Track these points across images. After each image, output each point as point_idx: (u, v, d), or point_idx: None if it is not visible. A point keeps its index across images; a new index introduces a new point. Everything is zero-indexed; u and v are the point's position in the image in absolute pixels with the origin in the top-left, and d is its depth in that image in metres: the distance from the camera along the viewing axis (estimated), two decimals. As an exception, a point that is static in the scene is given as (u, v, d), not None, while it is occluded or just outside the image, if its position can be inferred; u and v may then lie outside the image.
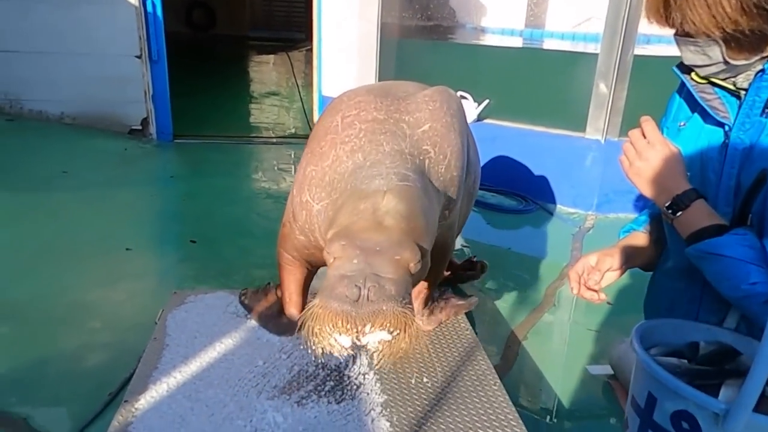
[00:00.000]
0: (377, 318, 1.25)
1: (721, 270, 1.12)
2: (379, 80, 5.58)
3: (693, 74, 1.29)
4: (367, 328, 1.25)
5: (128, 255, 3.27)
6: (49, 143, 5.23)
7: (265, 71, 10.96)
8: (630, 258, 1.52)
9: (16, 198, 3.91)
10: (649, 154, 1.22)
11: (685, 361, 1.15)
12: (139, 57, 5.69)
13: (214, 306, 2.37)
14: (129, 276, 3.02)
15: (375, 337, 1.28)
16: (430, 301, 2.32)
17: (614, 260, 1.49)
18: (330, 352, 1.33)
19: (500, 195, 4.69)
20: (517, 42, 9.24)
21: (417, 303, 2.20)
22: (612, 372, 2.43)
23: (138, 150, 5.46)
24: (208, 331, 2.18)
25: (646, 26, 1.34)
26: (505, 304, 3.00)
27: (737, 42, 1.07)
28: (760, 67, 1.13)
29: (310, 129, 6.89)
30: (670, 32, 1.27)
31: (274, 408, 1.76)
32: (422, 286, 2.17)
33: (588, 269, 1.48)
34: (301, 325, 1.33)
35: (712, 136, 1.27)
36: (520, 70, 5.57)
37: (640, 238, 1.61)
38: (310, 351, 1.34)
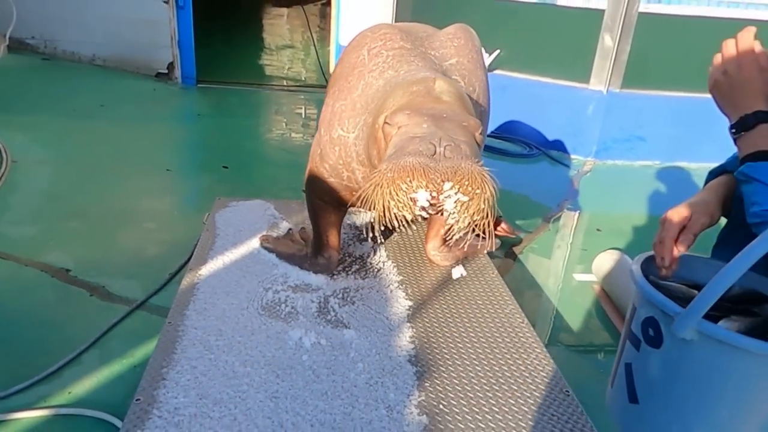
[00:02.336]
0: (456, 174, 1.21)
1: (750, 193, 1.05)
2: (396, 30, 5.82)
3: None
4: (446, 185, 1.21)
5: (169, 175, 3.64)
6: (84, 81, 5.57)
7: (281, 24, 11.13)
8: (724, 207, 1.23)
9: (64, 123, 4.29)
10: (732, 69, 1.09)
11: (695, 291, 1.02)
12: (167, 2, 5.94)
13: (253, 210, 2.75)
14: (172, 191, 3.41)
15: (452, 199, 1.24)
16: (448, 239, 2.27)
17: (712, 218, 1.17)
18: (403, 218, 1.26)
19: (507, 141, 5.01)
20: None
21: (433, 243, 2.24)
22: (595, 279, 2.82)
23: (166, 91, 5.78)
24: (251, 227, 2.56)
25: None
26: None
27: None
28: None
29: (325, 79, 7.14)
30: None
31: (312, 278, 2.15)
32: (440, 226, 2.18)
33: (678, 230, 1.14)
34: (364, 201, 1.29)
35: None
36: (531, 24, 5.79)
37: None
38: (379, 224, 1.28)
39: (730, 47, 1.10)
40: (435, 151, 1.25)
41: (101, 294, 2.30)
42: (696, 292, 0.94)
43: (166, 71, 6.19)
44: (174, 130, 4.64)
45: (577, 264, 3.04)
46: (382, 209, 1.27)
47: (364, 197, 1.31)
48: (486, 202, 1.25)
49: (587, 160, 4.78)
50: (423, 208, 1.27)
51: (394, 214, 1.28)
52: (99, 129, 4.30)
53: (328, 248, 2.17)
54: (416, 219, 1.31)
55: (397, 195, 1.25)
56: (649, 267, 1.11)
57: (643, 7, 4.68)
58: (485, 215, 1.26)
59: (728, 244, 1.20)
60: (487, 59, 5.25)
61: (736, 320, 0.99)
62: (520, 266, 2.95)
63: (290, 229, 2.50)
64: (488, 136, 5.13)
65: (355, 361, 1.74)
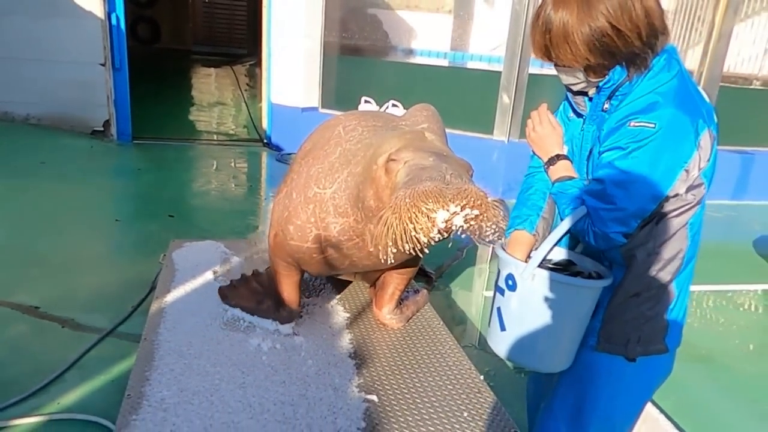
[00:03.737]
0: (464, 194, 1.39)
1: (561, 201, 1.58)
2: (322, 90, 6.44)
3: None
4: (452, 206, 1.39)
5: (118, 224, 3.93)
6: (21, 140, 5.71)
7: (211, 83, 11.56)
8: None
9: (7, 181, 4.46)
10: (538, 129, 1.67)
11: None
12: (103, 65, 6.27)
13: (206, 248, 3.10)
14: (123, 238, 3.70)
15: (461, 216, 1.42)
16: (398, 303, 2.45)
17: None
18: (417, 240, 1.43)
19: (425, 186, 5.64)
20: (443, 62, 10.39)
21: (388, 307, 2.39)
22: (500, 294, 3.40)
23: (103, 148, 6.02)
24: (207, 262, 2.91)
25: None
26: (426, 258, 3.92)
27: (592, 69, 1.48)
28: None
29: (257, 133, 7.56)
30: None
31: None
32: (395, 288, 2.36)
33: None
34: (386, 225, 1.44)
35: (578, 123, 1.68)
36: (441, 84, 6.63)
37: (526, 235, 1.70)
38: (401, 242, 1.42)
39: (535, 116, 1.71)
40: (445, 178, 1.43)
41: (72, 325, 2.58)
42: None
43: (102, 129, 6.43)
44: (117, 184, 4.91)
45: (486, 283, 3.61)
46: (402, 231, 1.42)
47: (382, 221, 1.45)
48: (491, 213, 1.43)
49: (495, 200, 5.48)
50: (439, 230, 1.43)
51: (412, 236, 1.43)
52: (43, 185, 4.51)
53: (290, 305, 2.31)
54: (430, 242, 1.47)
55: (416, 217, 1.41)
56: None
57: (532, 70, 5.57)
58: (499, 220, 1.45)
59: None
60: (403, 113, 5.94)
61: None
62: (438, 286, 3.48)
63: (243, 274, 2.51)
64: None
65: (306, 359, 2.15)
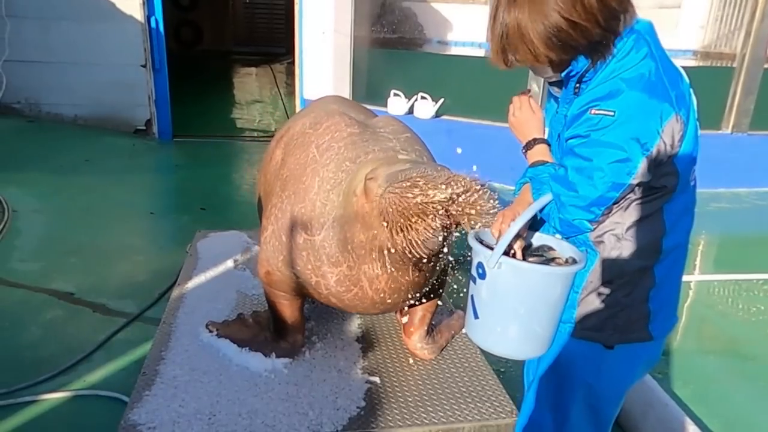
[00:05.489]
0: (455, 179, 1.38)
1: (533, 185, 1.54)
2: (353, 84, 6.52)
3: None
4: (450, 190, 1.36)
5: (152, 217, 4.12)
6: (68, 139, 6.05)
7: (250, 81, 11.85)
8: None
9: (54, 177, 4.75)
10: (518, 113, 1.66)
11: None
12: (144, 66, 6.55)
13: (229, 238, 3.23)
14: (156, 230, 3.89)
15: (461, 200, 1.39)
16: (430, 329, 2.18)
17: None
18: (428, 224, 1.40)
19: (454, 177, 5.64)
20: (478, 52, 10.28)
21: (419, 334, 2.13)
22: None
23: (144, 146, 6.30)
24: (229, 251, 3.03)
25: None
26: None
27: (556, 64, 1.44)
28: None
29: (294, 129, 7.75)
30: None
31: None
32: (425, 310, 2.12)
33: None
34: (387, 221, 1.39)
35: (554, 107, 1.68)
36: (473, 75, 6.57)
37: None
38: (404, 242, 1.40)
39: (516, 101, 1.68)
40: (426, 170, 1.41)
41: (103, 310, 2.74)
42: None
43: (144, 128, 6.73)
44: (154, 179, 5.14)
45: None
46: (407, 221, 1.40)
47: (390, 226, 1.43)
48: (483, 195, 1.41)
49: (525, 190, 5.41)
50: (440, 217, 1.40)
51: (422, 225, 1.40)
52: (86, 181, 4.77)
53: (293, 333, 2.12)
54: (441, 229, 1.42)
55: (417, 210, 1.38)
56: (482, 237, 1.61)
57: (562, 58, 5.47)
58: (485, 204, 1.43)
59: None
60: (434, 107, 5.95)
61: (533, 260, 1.55)
62: (461, 279, 3.48)
63: (240, 313, 2.33)
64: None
65: (314, 342, 2.22)
